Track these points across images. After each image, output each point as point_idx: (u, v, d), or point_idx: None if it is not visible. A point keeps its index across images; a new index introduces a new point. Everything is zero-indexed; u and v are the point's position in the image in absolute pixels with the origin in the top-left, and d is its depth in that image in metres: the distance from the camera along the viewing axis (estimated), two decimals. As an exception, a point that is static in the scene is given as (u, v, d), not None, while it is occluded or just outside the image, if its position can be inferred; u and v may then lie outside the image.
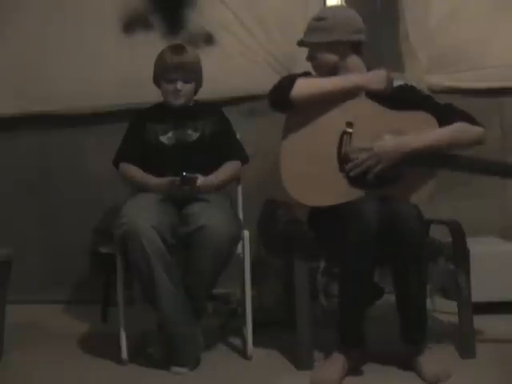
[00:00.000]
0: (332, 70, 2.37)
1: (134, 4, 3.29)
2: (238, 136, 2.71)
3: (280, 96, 2.30)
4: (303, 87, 2.28)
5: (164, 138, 2.53)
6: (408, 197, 2.26)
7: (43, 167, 3.39)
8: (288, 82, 2.31)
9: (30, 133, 3.37)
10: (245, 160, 2.64)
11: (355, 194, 2.26)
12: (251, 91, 3.21)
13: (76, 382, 2.27)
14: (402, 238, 2.11)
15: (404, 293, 2.20)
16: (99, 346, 2.48)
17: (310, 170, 2.28)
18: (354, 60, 2.38)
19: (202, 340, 2.35)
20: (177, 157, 2.50)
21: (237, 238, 2.33)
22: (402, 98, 2.33)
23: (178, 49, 2.57)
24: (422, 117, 2.29)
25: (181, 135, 2.54)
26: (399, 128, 2.27)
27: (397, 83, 2.40)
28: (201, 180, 2.36)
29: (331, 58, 2.37)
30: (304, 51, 2.44)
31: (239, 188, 2.75)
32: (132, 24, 3.29)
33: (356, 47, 2.38)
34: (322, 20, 2.36)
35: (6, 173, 3.37)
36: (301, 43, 2.45)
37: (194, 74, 2.57)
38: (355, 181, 2.27)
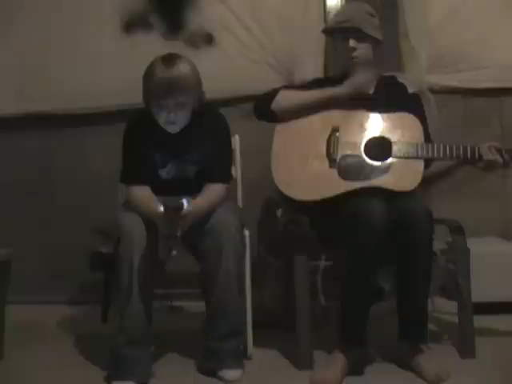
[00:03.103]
0: (356, 67, 2.41)
1: (134, 4, 3.29)
2: (234, 136, 2.62)
3: (262, 108, 2.44)
4: (283, 99, 2.40)
5: (163, 172, 2.40)
6: (401, 184, 2.25)
7: (43, 167, 3.39)
8: (270, 94, 2.42)
9: (30, 133, 3.37)
10: (227, 181, 2.46)
11: (348, 186, 2.28)
12: (251, 91, 3.19)
13: (76, 381, 2.27)
14: (411, 238, 2.12)
15: (408, 292, 2.21)
16: (99, 346, 2.48)
17: (300, 169, 2.36)
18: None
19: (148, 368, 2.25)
20: (177, 189, 2.36)
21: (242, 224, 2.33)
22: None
23: (168, 70, 2.24)
24: (405, 117, 2.35)
25: (180, 171, 2.40)
26: (385, 127, 2.33)
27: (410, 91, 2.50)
28: (187, 210, 2.15)
29: (371, 55, 2.43)
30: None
31: (239, 188, 2.74)
32: (132, 24, 3.29)
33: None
34: (374, 17, 2.43)
35: (6, 173, 3.37)
36: (356, 31, 2.39)
37: (188, 98, 2.26)
38: (346, 174, 2.30)
